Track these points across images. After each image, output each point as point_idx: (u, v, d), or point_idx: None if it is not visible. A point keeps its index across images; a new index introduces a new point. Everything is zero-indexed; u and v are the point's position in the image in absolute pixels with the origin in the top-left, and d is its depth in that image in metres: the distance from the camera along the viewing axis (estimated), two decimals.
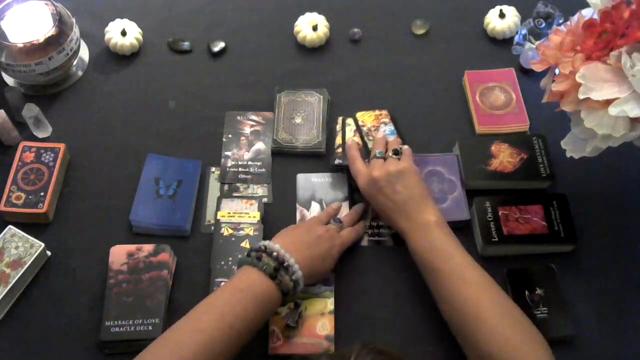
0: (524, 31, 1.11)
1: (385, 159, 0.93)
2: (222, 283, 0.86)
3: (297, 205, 0.98)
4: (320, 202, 0.98)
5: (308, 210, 0.97)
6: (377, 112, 1.04)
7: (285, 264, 0.79)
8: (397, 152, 0.93)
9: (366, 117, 1.03)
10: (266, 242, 0.82)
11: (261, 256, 0.79)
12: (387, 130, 1.00)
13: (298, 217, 0.97)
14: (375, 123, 1.02)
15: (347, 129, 1.02)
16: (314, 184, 0.99)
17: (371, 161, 0.94)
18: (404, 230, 0.87)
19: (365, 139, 1.01)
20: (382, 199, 0.89)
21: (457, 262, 0.82)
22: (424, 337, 0.86)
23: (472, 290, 0.79)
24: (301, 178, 1.00)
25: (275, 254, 0.80)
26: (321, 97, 1.06)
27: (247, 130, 1.04)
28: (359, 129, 1.01)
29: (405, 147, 0.94)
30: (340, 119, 1.03)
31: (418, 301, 0.89)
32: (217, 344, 0.73)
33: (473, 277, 0.81)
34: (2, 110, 1.00)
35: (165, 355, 0.71)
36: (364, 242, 0.95)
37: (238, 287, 0.78)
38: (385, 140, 0.97)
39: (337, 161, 0.98)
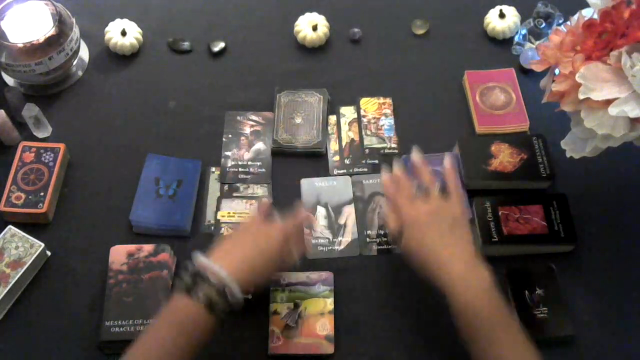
0: (524, 31, 1.11)
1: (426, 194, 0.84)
2: None
3: (304, 210, 0.94)
4: (325, 206, 0.97)
5: (314, 215, 0.96)
6: (382, 99, 1.05)
7: (201, 273, 0.73)
8: (443, 190, 0.84)
9: (369, 105, 1.04)
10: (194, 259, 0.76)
11: (181, 273, 0.75)
12: (386, 124, 1.01)
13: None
14: (377, 114, 1.04)
15: (342, 120, 1.03)
16: (318, 188, 0.99)
17: (413, 199, 0.84)
18: (454, 281, 0.76)
19: (363, 132, 1.01)
20: (431, 241, 0.80)
21: (514, 331, 0.75)
22: (424, 337, 0.86)
23: None
24: (305, 183, 0.99)
25: (190, 267, 0.75)
26: (321, 97, 1.06)
27: (247, 130, 1.04)
28: (359, 118, 1.02)
29: (457, 188, 0.85)
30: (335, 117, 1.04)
31: (418, 301, 0.89)
32: None
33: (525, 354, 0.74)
34: (2, 110, 1.00)
35: None
36: (373, 252, 0.94)
37: (167, 318, 0.74)
38: (428, 175, 0.86)
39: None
